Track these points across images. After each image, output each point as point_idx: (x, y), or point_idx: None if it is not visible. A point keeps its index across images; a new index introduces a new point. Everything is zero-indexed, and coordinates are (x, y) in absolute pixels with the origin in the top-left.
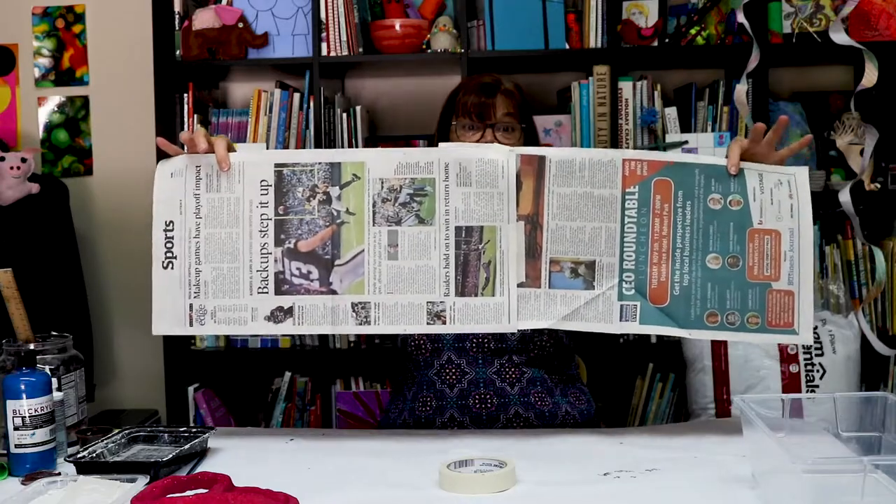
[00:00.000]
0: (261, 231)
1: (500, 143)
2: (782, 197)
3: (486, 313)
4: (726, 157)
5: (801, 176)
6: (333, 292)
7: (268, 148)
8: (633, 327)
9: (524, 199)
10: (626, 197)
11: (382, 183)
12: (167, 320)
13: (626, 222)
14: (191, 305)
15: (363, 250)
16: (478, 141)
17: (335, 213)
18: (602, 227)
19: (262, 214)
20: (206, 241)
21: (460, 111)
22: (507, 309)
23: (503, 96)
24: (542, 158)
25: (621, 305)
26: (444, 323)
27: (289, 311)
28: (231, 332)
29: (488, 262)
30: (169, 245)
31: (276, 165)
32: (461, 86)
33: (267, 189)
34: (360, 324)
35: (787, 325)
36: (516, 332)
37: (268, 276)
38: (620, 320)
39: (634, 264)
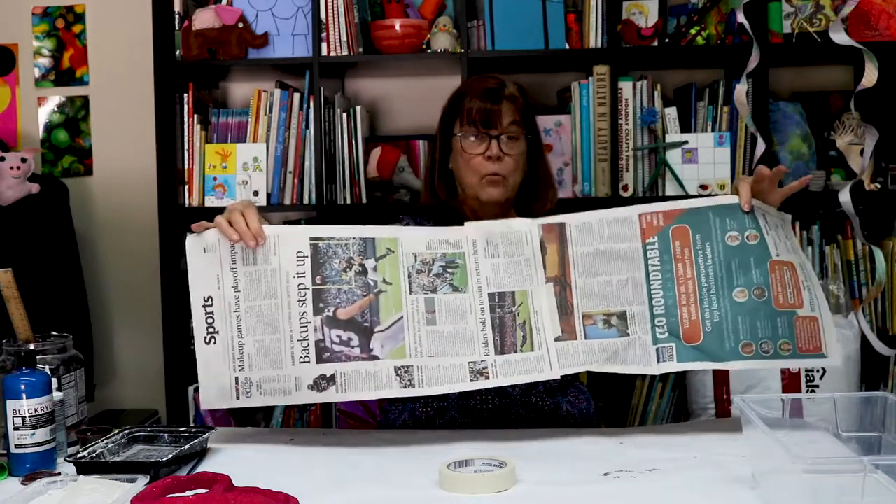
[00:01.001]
0: (299, 301)
1: (504, 153)
2: (784, 236)
3: (528, 365)
4: (734, 194)
5: (786, 225)
6: (375, 358)
7: (267, 149)
8: (672, 366)
9: (550, 262)
10: (647, 248)
11: (416, 257)
12: (214, 394)
13: (651, 271)
14: (237, 379)
15: (402, 317)
16: (483, 152)
17: (372, 283)
18: (628, 278)
19: (299, 284)
20: (247, 313)
21: (465, 118)
22: (548, 359)
23: (508, 102)
24: (562, 225)
25: (657, 349)
26: (488, 378)
27: (331, 379)
28: (277, 402)
29: (523, 322)
30: (210, 321)
31: (312, 239)
32: (465, 89)
33: (303, 260)
34: (405, 387)
35: (816, 349)
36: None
37: (308, 346)
38: (658, 362)
39: (664, 308)
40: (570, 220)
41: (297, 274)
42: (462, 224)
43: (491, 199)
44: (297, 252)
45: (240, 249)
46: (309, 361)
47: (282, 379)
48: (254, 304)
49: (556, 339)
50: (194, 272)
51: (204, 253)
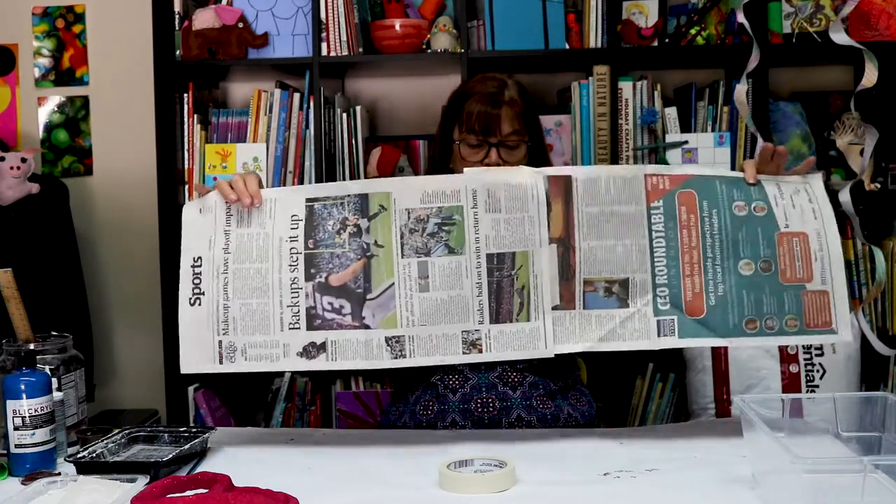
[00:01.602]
0: (290, 266)
1: (504, 161)
2: (803, 202)
3: (522, 339)
4: (740, 171)
5: (815, 183)
6: (366, 327)
7: (267, 149)
8: (672, 342)
9: (555, 221)
10: (652, 212)
11: (409, 213)
12: (195, 358)
13: (655, 237)
14: (220, 342)
15: (393, 283)
16: (481, 161)
17: (365, 246)
18: (632, 243)
19: (291, 248)
20: (235, 275)
21: (465, 123)
22: (543, 334)
23: (508, 108)
24: (568, 179)
25: (658, 321)
26: (481, 352)
27: (321, 347)
28: (263, 368)
29: (521, 287)
30: (196, 281)
31: (308, 200)
32: (466, 91)
33: (297, 224)
34: (395, 357)
35: (826, 324)
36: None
37: (299, 312)
38: (658, 336)
39: (667, 278)
40: (578, 173)
41: (290, 238)
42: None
43: None
44: (293, 216)
45: (235, 212)
46: (299, 328)
47: (269, 345)
48: (242, 266)
49: (554, 308)
50: (188, 233)
51: (199, 213)
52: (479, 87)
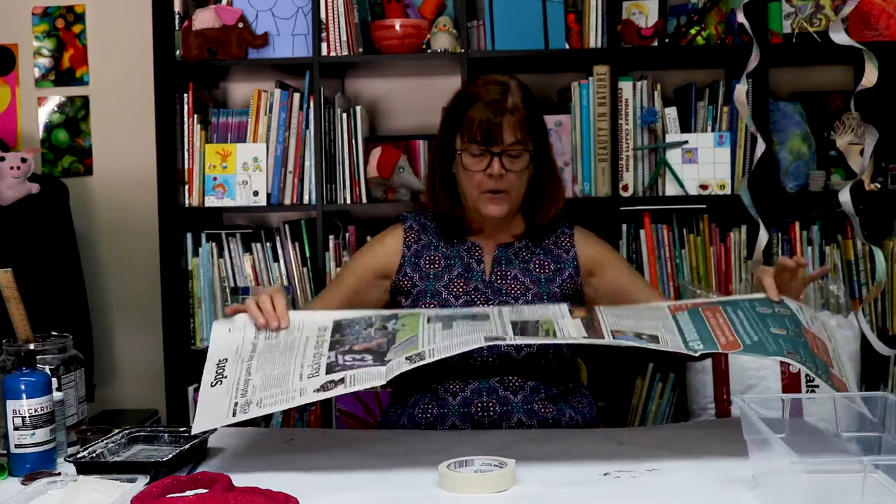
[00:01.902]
0: (315, 346)
1: (507, 169)
2: (819, 326)
3: (548, 337)
4: (756, 284)
5: (829, 322)
6: (387, 362)
7: (267, 149)
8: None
9: (578, 313)
10: (677, 315)
11: (437, 314)
12: (209, 419)
13: (681, 321)
14: (236, 403)
15: (417, 334)
16: (484, 169)
17: (391, 329)
18: (659, 323)
19: (318, 338)
20: (259, 360)
21: (466, 132)
22: (569, 336)
23: (511, 115)
24: (591, 307)
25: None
26: (504, 340)
27: (340, 381)
28: (277, 409)
29: (547, 331)
30: (220, 372)
31: (336, 320)
32: (468, 95)
33: (324, 332)
34: (413, 363)
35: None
36: (521, 353)
37: (319, 368)
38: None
39: (698, 336)
40: (600, 308)
41: (318, 337)
42: (465, 229)
43: (491, 216)
44: (320, 327)
45: (264, 329)
46: (317, 376)
47: (284, 393)
48: (268, 354)
49: (584, 338)
50: (216, 345)
51: (229, 333)
52: (482, 92)
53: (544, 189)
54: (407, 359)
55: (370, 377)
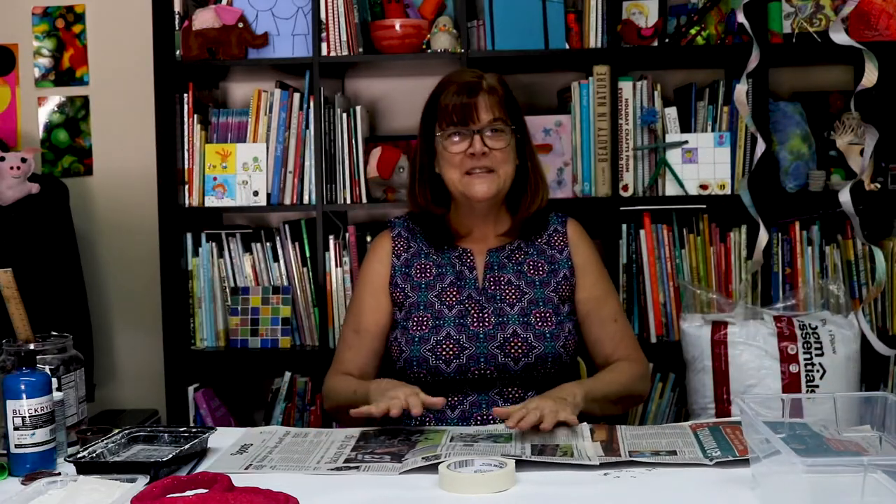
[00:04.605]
0: (339, 449)
1: (488, 146)
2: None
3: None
4: None
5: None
6: (403, 461)
7: (267, 149)
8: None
9: (597, 436)
10: (699, 433)
11: (461, 434)
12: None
13: (702, 438)
14: (250, 464)
15: (438, 444)
16: (465, 150)
17: (413, 440)
18: (678, 440)
19: (343, 443)
20: (283, 450)
21: (443, 118)
22: (587, 458)
23: (486, 95)
24: (612, 427)
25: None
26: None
27: (355, 467)
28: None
29: (564, 452)
30: (244, 447)
31: (363, 431)
32: (441, 85)
33: (350, 439)
34: (429, 462)
35: None
36: (519, 364)
37: (339, 456)
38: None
39: (717, 445)
40: (622, 427)
41: (342, 442)
42: (452, 234)
43: (478, 198)
44: (347, 434)
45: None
46: (335, 462)
47: (298, 463)
48: (292, 447)
49: (599, 457)
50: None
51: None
52: (454, 78)
53: (527, 179)
54: (423, 458)
55: (384, 469)
